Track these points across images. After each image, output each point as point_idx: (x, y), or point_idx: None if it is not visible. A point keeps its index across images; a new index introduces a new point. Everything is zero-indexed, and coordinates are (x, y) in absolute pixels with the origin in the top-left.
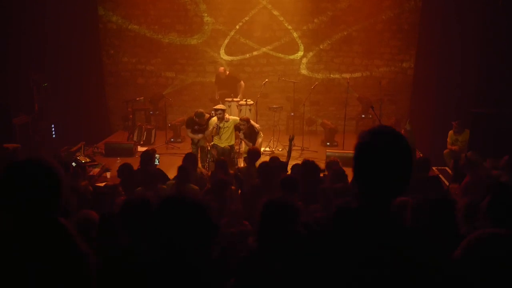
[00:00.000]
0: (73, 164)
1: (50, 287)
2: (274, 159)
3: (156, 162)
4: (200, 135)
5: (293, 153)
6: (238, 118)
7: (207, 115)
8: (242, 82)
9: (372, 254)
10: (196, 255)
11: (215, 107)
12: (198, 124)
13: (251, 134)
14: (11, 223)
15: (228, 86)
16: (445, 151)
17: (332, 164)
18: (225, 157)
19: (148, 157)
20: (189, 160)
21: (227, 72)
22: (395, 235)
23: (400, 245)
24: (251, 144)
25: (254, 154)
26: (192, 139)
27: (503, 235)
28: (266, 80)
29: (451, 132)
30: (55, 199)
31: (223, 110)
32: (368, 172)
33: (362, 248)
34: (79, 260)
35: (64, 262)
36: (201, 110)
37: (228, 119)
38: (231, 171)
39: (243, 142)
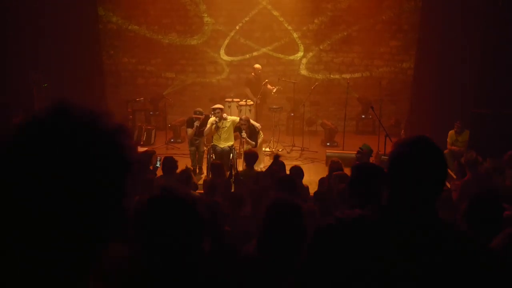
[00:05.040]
0: None
1: None
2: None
3: (157, 165)
4: (200, 138)
5: (293, 153)
6: (237, 118)
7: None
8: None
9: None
10: (187, 250)
11: (213, 106)
12: (198, 120)
13: (251, 134)
14: None
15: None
16: (445, 151)
17: (334, 165)
18: (225, 158)
19: (147, 158)
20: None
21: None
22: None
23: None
24: (253, 144)
25: (251, 156)
26: (190, 141)
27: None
28: (266, 80)
29: (451, 132)
30: None
31: (221, 109)
32: (406, 180)
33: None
34: None
35: None
36: (199, 108)
37: (226, 117)
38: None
39: (244, 143)
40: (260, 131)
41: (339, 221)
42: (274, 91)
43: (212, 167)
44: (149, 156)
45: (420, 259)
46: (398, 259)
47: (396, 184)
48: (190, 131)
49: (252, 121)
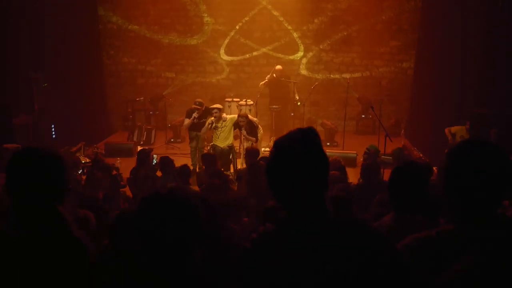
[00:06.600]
0: None
1: (46, 274)
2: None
3: (154, 163)
4: (196, 132)
5: None
6: (235, 116)
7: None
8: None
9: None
10: (184, 250)
11: (211, 106)
12: (197, 110)
13: (251, 129)
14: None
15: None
16: (446, 151)
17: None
18: (224, 157)
19: (144, 156)
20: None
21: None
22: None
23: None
24: (254, 140)
25: (253, 153)
26: (189, 136)
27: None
28: (266, 80)
29: (460, 128)
30: (59, 185)
31: (219, 109)
32: (283, 180)
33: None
34: (74, 247)
35: (60, 250)
36: (199, 99)
37: (226, 118)
38: (230, 171)
39: (243, 141)
40: (259, 126)
41: (246, 248)
42: (298, 103)
43: (203, 158)
44: (146, 154)
45: (321, 261)
46: (301, 268)
47: (277, 192)
48: (186, 121)
49: (250, 117)
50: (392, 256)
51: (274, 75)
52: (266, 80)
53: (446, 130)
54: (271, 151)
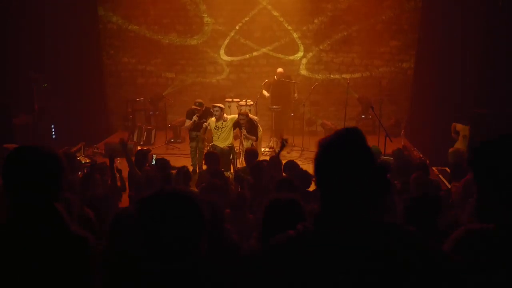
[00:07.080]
0: None
1: (48, 274)
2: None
3: (153, 163)
4: (196, 133)
5: (293, 153)
6: (236, 116)
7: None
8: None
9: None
10: (187, 249)
11: (213, 104)
12: (197, 112)
13: (251, 128)
14: (10, 210)
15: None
16: (450, 150)
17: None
18: (225, 157)
19: (142, 156)
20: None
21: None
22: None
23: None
24: (254, 138)
25: (252, 155)
26: (190, 136)
27: (490, 230)
28: (266, 80)
29: (463, 127)
30: (55, 184)
31: (220, 108)
32: (332, 177)
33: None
34: (75, 247)
35: (61, 250)
36: (199, 100)
37: (226, 118)
38: (231, 172)
39: (243, 140)
40: (259, 125)
41: (269, 248)
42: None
43: (206, 156)
44: (144, 154)
45: (367, 264)
46: (343, 271)
47: (324, 190)
48: (187, 122)
49: (250, 115)
50: (439, 259)
51: (275, 77)
52: (269, 91)
53: (453, 125)
54: (318, 148)
